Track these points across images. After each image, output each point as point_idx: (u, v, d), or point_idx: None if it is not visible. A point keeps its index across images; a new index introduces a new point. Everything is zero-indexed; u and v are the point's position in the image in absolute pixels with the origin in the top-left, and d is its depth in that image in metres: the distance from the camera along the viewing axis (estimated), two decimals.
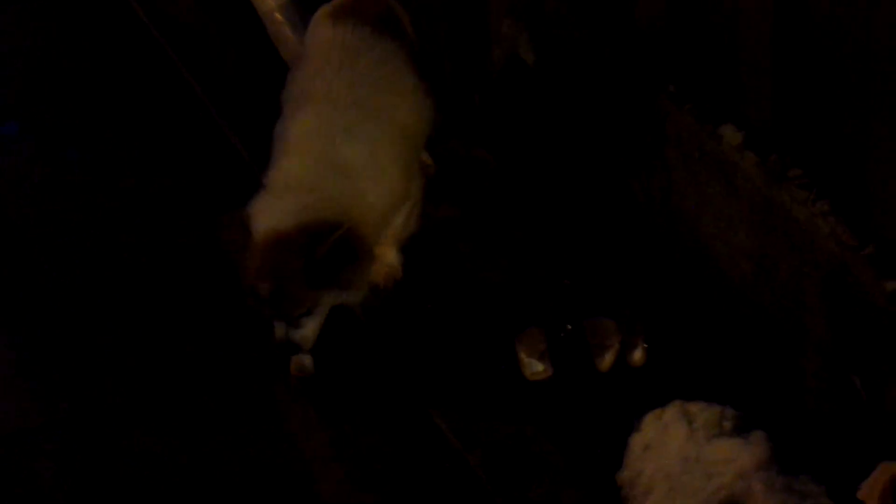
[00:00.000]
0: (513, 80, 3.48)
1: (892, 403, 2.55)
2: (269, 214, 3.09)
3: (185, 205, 3.80)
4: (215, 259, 3.47)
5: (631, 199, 3.16)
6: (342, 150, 3.18)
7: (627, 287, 3.25)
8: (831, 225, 2.59)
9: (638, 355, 3.14)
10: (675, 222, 3.02)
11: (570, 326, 3.16)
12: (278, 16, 3.99)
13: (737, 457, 2.77)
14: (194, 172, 3.90)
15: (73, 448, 3.17)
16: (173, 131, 4.06)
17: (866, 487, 2.54)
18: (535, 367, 3.14)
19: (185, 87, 4.15)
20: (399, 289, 3.38)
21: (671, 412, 2.88)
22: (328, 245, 3.00)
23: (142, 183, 3.89)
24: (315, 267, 3.02)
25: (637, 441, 2.89)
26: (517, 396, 3.12)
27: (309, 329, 3.12)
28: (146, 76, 4.26)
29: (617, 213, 3.24)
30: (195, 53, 4.25)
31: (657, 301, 3.18)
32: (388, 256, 3.39)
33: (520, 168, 3.57)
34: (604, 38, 3.12)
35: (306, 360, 3.22)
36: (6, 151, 4.06)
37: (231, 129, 3.94)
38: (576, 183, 3.37)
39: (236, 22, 4.23)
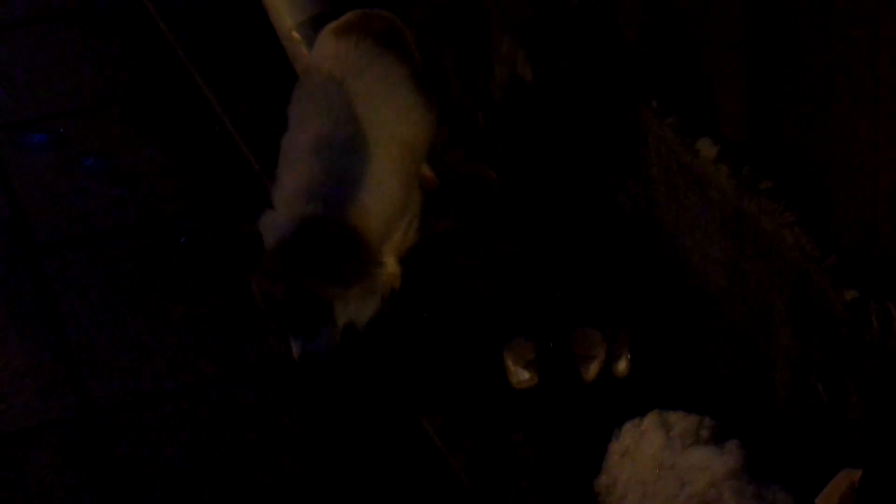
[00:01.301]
0: (512, 97, 3.56)
1: (853, 410, 2.59)
2: (275, 226, 3.18)
3: (197, 212, 3.92)
4: (222, 268, 3.59)
5: (618, 212, 3.22)
6: (343, 162, 3.26)
7: (614, 298, 3.31)
8: (796, 235, 2.64)
9: (622, 365, 3.20)
10: (656, 234, 3.08)
11: (552, 344, 3.22)
12: (296, 34, 4.08)
13: (710, 465, 2.82)
14: (208, 181, 4.01)
15: (75, 446, 3.27)
16: (189, 143, 4.18)
17: (825, 494, 2.59)
18: (522, 376, 3.20)
19: (203, 101, 4.27)
20: (397, 298, 3.46)
21: (649, 420, 2.93)
22: (325, 235, 3.07)
23: (157, 191, 4.01)
24: (318, 260, 3.08)
25: (615, 448, 2.95)
26: (503, 404, 3.19)
27: (324, 339, 3.15)
28: (165, 90, 4.39)
29: (605, 225, 3.30)
30: (214, 68, 4.37)
31: (642, 311, 3.23)
32: (387, 266, 3.46)
33: (517, 182, 3.65)
34: (593, 57, 3.19)
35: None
36: (31, 160, 4.20)
37: (245, 140, 4.05)
38: (567, 196, 3.44)
39: (255, 39, 4.34)
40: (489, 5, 3.56)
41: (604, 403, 3.14)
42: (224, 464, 3.19)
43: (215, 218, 3.89)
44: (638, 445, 2.91)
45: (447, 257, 3.56)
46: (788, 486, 2.76)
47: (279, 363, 3.37)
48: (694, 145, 2.88)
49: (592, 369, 3.20)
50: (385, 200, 3.30)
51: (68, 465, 3.21)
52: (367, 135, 3.31)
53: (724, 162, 2.82)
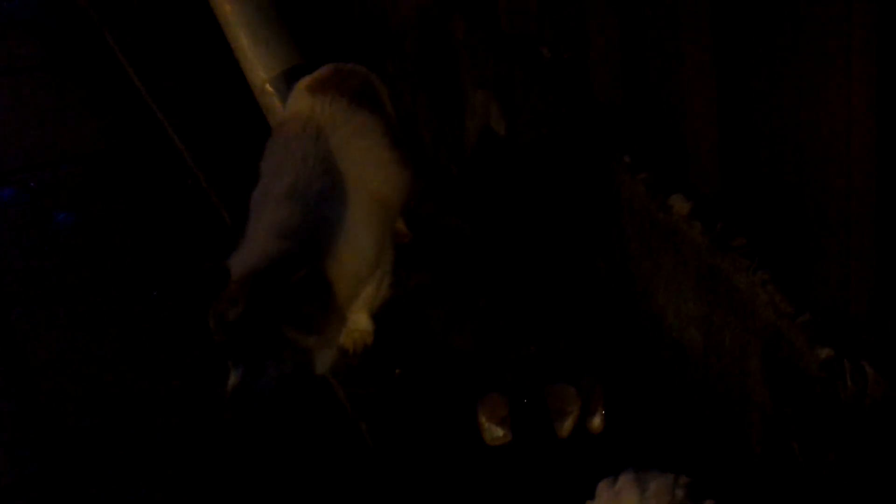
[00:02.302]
0: (485, 151, 3.55)
1: (829, 468, 2.57)
2: (248, 257, 3.15)
3: (169, 266, 3.89)
4: (196, 319, 3.55)
5: (592, 268, 3.20)
6: (319, 211, 3.24)
7: (588, 352, 3.29)
8: (770, 293, 2.62)
9: (597, 422, 3.17)
10: (631, 290, 3.06)
11: (525, 400, 3.19)
12: (269, 87, 4.07)
13: None
14: (180, 236, 3.99)
15: None
16: (161, 196, 4.15)
17: None
18: (496, 433, 3.17)
19: (175, 154, 4.24)
20: (370, 354, 3.43)
21: (624, 480, 2.89)
22: (298, 275, 3.04)
23: (129, 247, 3.98)
24: (286, 298, 3.04)
25: None
26: (477, 462, 3.15)
27: (267, 376, 3.07)
28: (136, 143, 4.37)
29: (579, 280, 3.28)
30: (187, 120, 4.35)
31: (616, 367, 3.21)
32: (359, 322, 3.44)
33: (491, 235, 3.63)
34: (565, 112, 3.18)
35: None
36: (1, 214, 4.17)
37: (217, 195, 4.03)
38: (541, 251, 3.42)
39: (229, 91, 4.32)
40: (462, 59, 3.56)
41: (578, 460, 3.11)
42: None
43: (187, 272, 3.86)
44: None
45: (420, 312, 3.53)
46: None
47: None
48: (667, 201, 2.87)
49: (567, 425, 3.17)
50: (357, 255, 3.28)
51: None
52: (343, 188, 3.29)
53: (698, 218, 2.80)
